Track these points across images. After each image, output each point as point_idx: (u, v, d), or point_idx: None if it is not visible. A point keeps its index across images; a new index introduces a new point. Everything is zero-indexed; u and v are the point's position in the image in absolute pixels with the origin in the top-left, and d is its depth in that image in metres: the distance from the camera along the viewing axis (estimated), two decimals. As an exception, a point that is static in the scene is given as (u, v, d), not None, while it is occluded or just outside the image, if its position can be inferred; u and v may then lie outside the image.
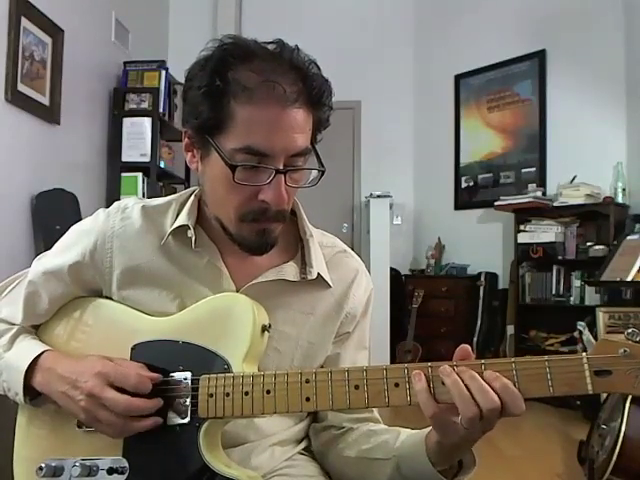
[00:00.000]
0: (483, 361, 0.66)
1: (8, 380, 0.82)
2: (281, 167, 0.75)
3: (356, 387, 0.70)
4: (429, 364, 0.68)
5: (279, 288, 0.86)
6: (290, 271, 0.86)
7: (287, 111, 0.74)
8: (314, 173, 0.81)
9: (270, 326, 0.80)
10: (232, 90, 0.74)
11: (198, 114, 0.76)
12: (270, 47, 0.77)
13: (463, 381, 0.65)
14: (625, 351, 0.62)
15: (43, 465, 0.77)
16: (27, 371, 0.80)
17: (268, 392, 0.72)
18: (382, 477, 0.82)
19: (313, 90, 0.77)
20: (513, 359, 0.65)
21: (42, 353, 0.82)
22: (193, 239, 0.83)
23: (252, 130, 0.74)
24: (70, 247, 0.88)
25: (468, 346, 0.68)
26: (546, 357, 0.64)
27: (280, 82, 0.73)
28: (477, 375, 0.65)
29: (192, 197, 0.88)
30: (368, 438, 0.87)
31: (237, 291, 0.84)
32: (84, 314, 0.88)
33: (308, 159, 0.80)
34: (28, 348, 0.83)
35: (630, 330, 0.63)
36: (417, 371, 0.67)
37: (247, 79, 0.73)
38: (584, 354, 0.63)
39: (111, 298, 0.87)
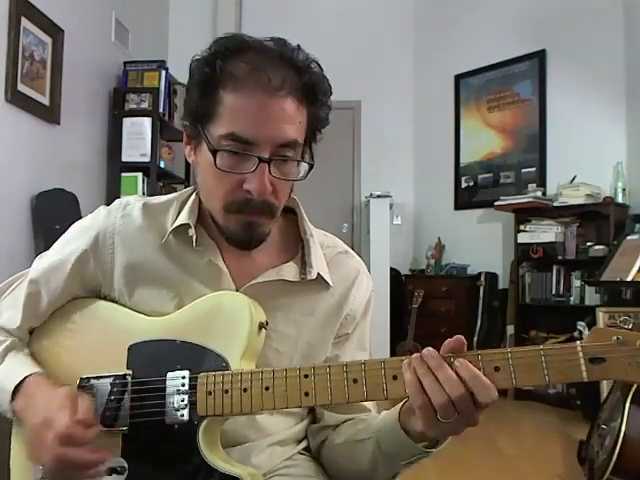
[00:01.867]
0: (479, 352, 0.66)
1: None
2: (266, 156, 0.75)
3: (354, 381, 0.70)
4: None
5: (279, 289, 0.85)
6: (290, 271, 0.86)
7: (274, 100, 0.74)
8: (305, 169, 0.80)
9: (267, 323, 0.80)
10: (221, 79, 0.75)
11: (191, 104, 0.78)
12: (267, 42, 0.77)
13: (432, 371, 0.65)
14: (618, 338, 0.62)
15: (40, 466, 0.77)
16: (14, 391, 0.80)
17: (267, 388, 0.72)
18: (365, 456, 0.82)
19: (306, 83, 0.77)
20: (509, 349, 0.65)
21: (28, 376, 0.81)
22: (194, 238, 0.83)
23: (238, 117, 0.74)
24: (70, 243, 0.88)
25: (462, 337, 0.67)
26: (541, 346, 0.65)
27: (268, 71, 0.73)
28: (445, 364, 0.65)
29: (193, 196, 0.88)
30: (355, 425, 0.87)
31: (237, 291, 0.84)
32: (81, 315, 0.87)
33: (300, 153, 0.80)
34: (19, 365, 0.83)
35: (623, 318, 0.64)
36: (407, 361, 0.67)
37: (236, 69, 0.74)
38: (578, 342, 0.64)
39: (110, 295, 0.88)
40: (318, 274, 0.86)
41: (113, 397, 0.78)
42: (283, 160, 0.77)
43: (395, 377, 0.68)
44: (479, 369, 0.65)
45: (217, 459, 0.74)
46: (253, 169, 0.75)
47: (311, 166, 0.80)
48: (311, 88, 0.78)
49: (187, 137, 0.83)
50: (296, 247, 0.89)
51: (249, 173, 0.75)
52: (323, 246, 0.91)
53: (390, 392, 0.69)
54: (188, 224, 0.84)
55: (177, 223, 0.84)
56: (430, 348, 0.67)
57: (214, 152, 0.75)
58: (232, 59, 0.75)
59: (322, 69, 0.79)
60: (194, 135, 0.81)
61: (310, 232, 0.89)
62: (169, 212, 0.88)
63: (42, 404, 0.76)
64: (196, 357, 0.77)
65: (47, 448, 0.71)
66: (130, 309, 0.86)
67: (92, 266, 0.87)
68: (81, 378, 0.81)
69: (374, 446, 0.80)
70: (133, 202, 0.90)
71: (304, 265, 0.86)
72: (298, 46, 0.78)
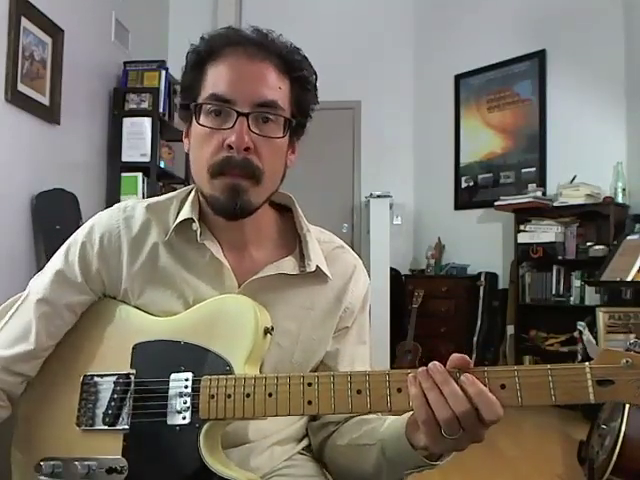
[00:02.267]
0: (486, 368, 0.66)
1: None
2: (244, 111, 0.78)
3: (358, 392, 0.69)
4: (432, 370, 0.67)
5: (279, 283, 0.86)
6: (288, 265, 0.86)
7: (252, 64, 0.79)
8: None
9: (272, 328, 0.80)
10: (207, 57, 0.81)
11: (183, 86, 0.84)
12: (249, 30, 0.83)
13: (438, 385, 0.65)
14: (628, 362, 0.62)
15: (42, 463, 0.77)
16: None
17: (270, 395, 0.72)
18: (369, 461, 0.82)
19: (284, 55, 0.81)
20: (516, 367, 0.66)
21: None
22: (198, 232, 0.84)
23: (218, 81, 0.79)
24: (71, 247, 0.87)
25: (467, 356, 0.67)
26: (549, 366, 0.64)
27: (248, 44, 0.79)
28: (451, 379, 0.65)
29: (192, 192, 0.89)
30: (359, 427, 0.87)
31: (239, 286, 0.84)
32: (87, 313, 0.87)
33: (282, 119, 0.81)
34: None
35: (632, 341, 0.64)
36: (412, 374, 0.67)
37: (220, 47, 0.80)
38: (587, 364, 0.64)
39: (115, 297, 0.87)
40: (317, 266, 0.87)
41: (116, 396, 0.79)
42: (264, 121, 0.79)
43: (399, 389, 0.68)
44: (484, 385, 0.65)
45: (217, 463, 0.74)
46: (232, 124, 0.77)
47: (290, 122, 0.82)
48: (290, 59, 0.82)
49: (185, 130, 0.86)
50: (294, 243, 0.90)
51: (229, 129, 0.78)
52: (320, 242, 0.92)
53: (394, 404, 0.68)
54: (191, 218, 0.84)
55: (180, 218, 0.85)
56: (436, 362, 0.66)
57: (195, 107, 0.79)
58: (218, 41, 0.81)
59: (305, 57, 0.84)
60: (185, 118, 0.84)
61: (307, 227, 0.91)
62: (170, 210, 0.88)
63: None
64: (200, 359, 0.77)
65: None
66: (135, 308, 0.86)
67: (95, 266, 0.86)
68: (85, 375, 0.82)
69: (378, 453, 0.80)
70: (132, 204, 0.90)
71: (302, 259, 0.87)
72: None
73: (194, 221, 0.84)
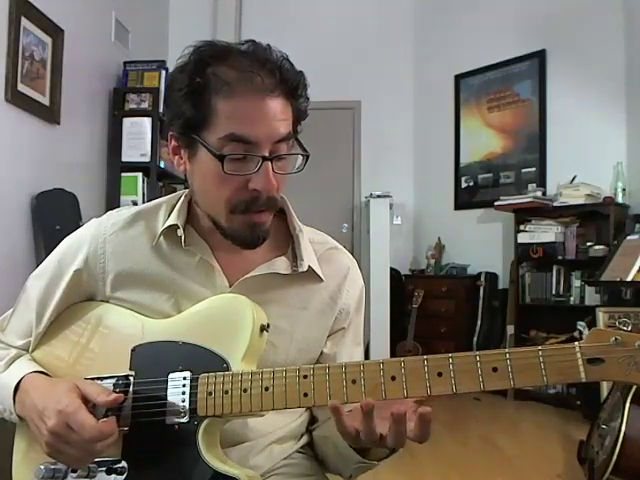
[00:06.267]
0: (477, 353, 0.67)
1: (1, 400, 0.84)
2: (267, 154, 0.77)
3: (353, 381, 0.70)
4: (425, 357, 0.68)
5: (271, 282, 0.87)
6: (281, 265, 0.88)
7: (267, 100, 0.77)
8: (299, 161, 0.83)
9: (269, 326, 0.81)
10: (212, 86, 0.77)
11: (181, 114, 0.79)
12: (244, 47, 0.80)
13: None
14: (617, 339, 0.62)
15: (42, 467, 0.77)
16: (15, 391, 0.81)
17: (266, 389, 0.73)
18: (330, 453, 0.86)
19: (289, 81, 0.80)
20: (507, 350, 0.66)
21: (24, 376, 0.82)
22: (182, 238, 0.85)
23: (234, 120, 0.76)
24: (63, 259, 0.90)
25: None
26: (539, 347, 0.65)
27: (257, 74, 0.76)
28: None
29: (182, 198, 0.90)
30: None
31: (230, 286, 0.85)
32: (85, 318, 0.88)
33: (292, 146, 0.82)
34: (19, 368, 0.84)
35: (622, 319, 0.64)
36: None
37: (225, 74, 0.76)
38: (576, 343, 0.64)
39: (107, 302, 0.89)
40: (309, 267, 0.88)
41: (115, 397, 0.79)
42: (283, 158, 0.80)
43: (393, 378, 0.69)
44: (476, 370, 0.65)
45: (216, 460, 0.74)
46: (257, 168, 0.77)
47: (307, 157, 0.83)
48: (292, 84, 0.81)
49: (176, 147, 0.85)
50: (286, 244, 0.91)
51: (253, 173, 0.77)
52: (313, 242, 0.93)
53: (388, 393, 0.69)
54: (177, 225, 0.85)
55: (166, 225, 0.86)
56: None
57: (221, 158, 0.76)
58: (218, 66, 0.77)
59: (292, 64, 0.82)
60: (187, 144, 0.82)
61: (300, 228, 0.91)
62: (159, 216, 0.89)
63: (37, 399, 0.77)
64: (198, 358, 0.78)
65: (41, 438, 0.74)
66: (132, 311, 0.86)
67: (85, 279, 0.88)
68: (84, 379, 0.82)
69: (333, 445, 0.84)
70: (124, 211, 0.92)
71: (295, 259, 0.88)
72: (268, 45, 0.81)
73: (179, 227, 0.85)
